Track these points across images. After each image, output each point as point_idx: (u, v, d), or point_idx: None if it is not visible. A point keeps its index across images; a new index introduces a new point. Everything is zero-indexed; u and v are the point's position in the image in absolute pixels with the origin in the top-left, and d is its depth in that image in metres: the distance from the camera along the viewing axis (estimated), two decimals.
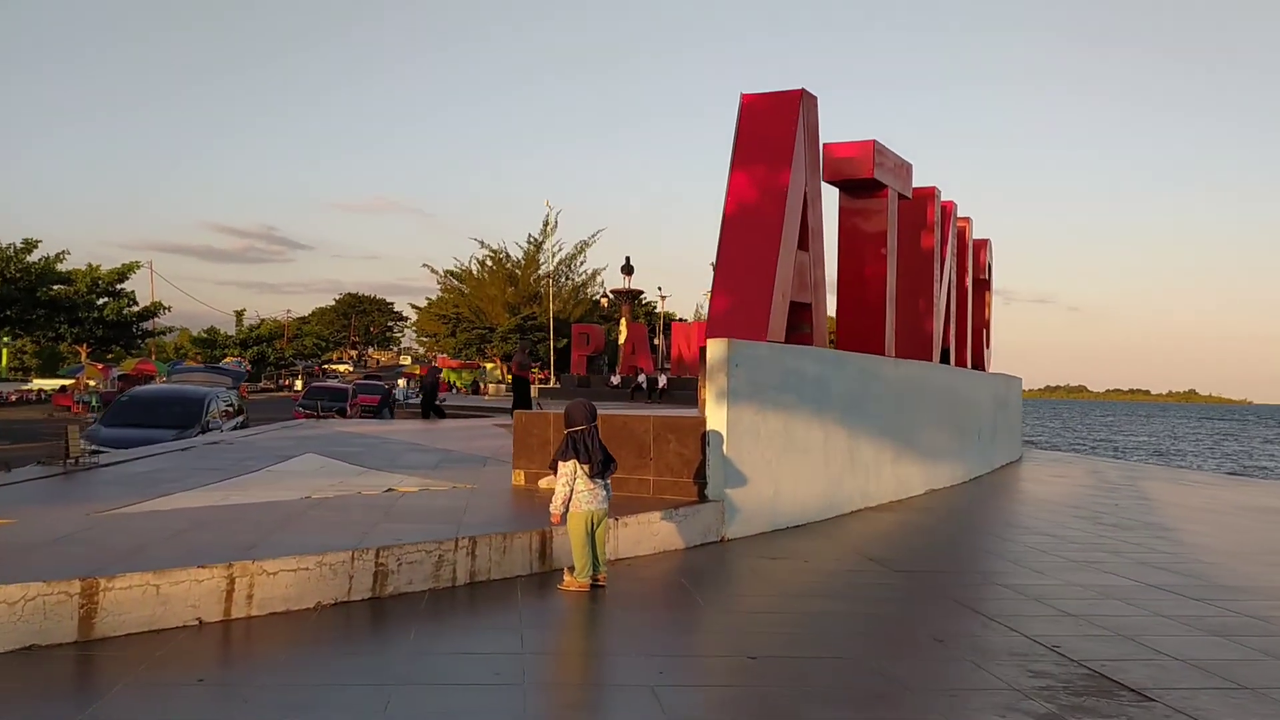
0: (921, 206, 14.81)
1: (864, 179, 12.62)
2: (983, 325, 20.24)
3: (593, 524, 6.34)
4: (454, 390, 69.84)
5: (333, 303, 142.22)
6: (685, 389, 44.68)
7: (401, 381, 66.51)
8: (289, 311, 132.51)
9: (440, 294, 79.50)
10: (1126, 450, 51.58)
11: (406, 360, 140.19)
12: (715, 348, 8.68)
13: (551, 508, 6.38)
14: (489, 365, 79.03)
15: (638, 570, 7.04)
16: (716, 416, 8.60)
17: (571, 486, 6.34)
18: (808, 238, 11.19)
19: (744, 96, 11.01)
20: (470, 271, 75.20)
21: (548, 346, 64.34)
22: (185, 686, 4.23)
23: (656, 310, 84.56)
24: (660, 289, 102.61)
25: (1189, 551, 8.48)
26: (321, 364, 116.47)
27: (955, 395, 14.99)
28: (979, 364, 19.54)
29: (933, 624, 5.66)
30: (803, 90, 10.89)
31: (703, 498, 8.58)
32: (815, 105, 11.16)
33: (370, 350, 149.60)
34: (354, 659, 4.75)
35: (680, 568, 7.20)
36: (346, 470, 10.72)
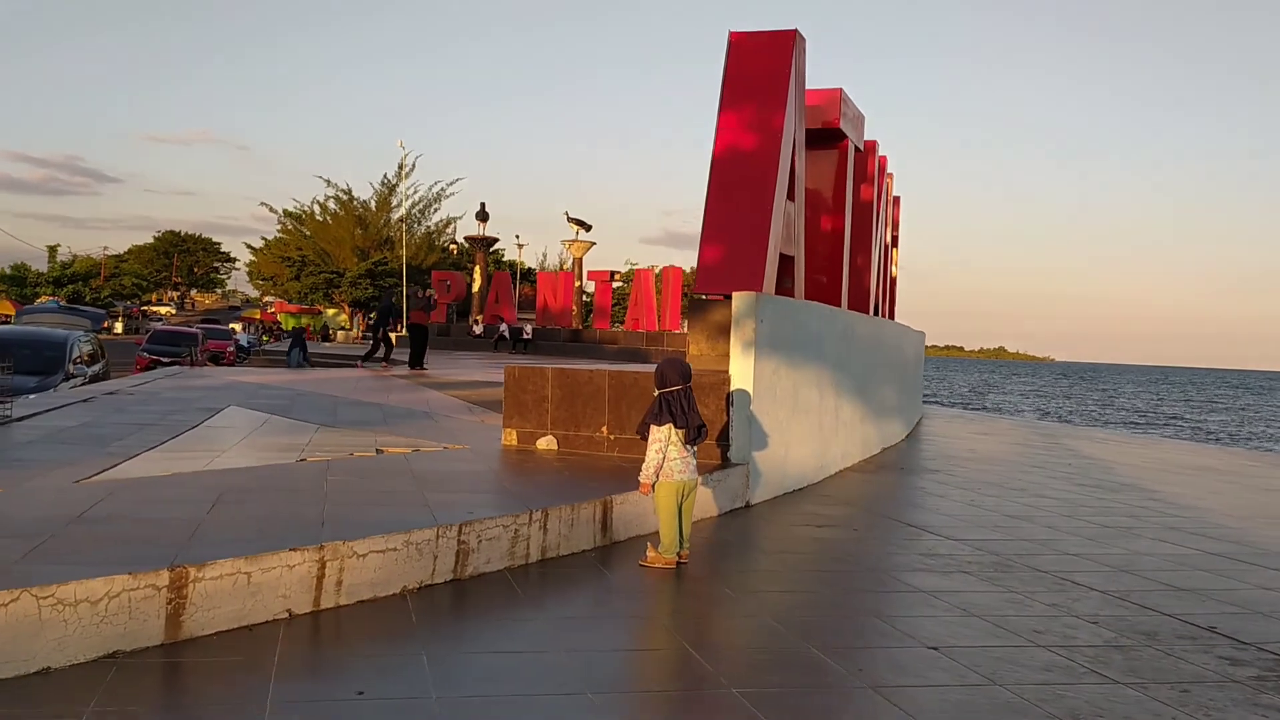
0: (864, 159, 14.59)
1: (829, 128, 12.27)
2: (891, 282, 20.38)
3: (682, 495, 5.76)
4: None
5: (152, 240, 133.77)
6: (551, 339, 44.05)
7: (237, 326, 63.14)
8: (106, 249, 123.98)
9: (278, 235, 75.76)
10: (999, 405, 53.87)
11: (238, 302, 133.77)
12: (742, 300, 8.15)
13: (642, 476, 5.77)
14: (331, 311, 76.04)
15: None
16: (742, 374, 8.09)
17: (664, 454, 5.73)
18: (794, 186, 10.76)
19: (732, 35, 10.42)
20: (311, 213, 71.81)
21: (400, 293, 62.31)
22: (348, 702, 3.47)
23: (505, 258, 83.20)
24: (518, 237, 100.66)
25: (1204, 515, 8.54)
26: (141, 306, 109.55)
27: (899, 351, 14.96)
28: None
29: (1081, 609, 5.36)
30: (796, 31, 10.38)
31: (725, 461, 8.08)
32: (804, 49, 10.67)
33: (193, 292, 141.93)
34: (503, 658, 4.06)
35: (734, 538, 6.70)
36: (301, 427, 9.73)
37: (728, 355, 9.60)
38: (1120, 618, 5.05)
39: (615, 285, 57.18)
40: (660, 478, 5.73)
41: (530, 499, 6.08)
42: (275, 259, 73.96)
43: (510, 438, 8.79)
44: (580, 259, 61.11)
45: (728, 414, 8.11)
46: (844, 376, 10.63)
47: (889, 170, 17.00)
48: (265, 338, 66.56)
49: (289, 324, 74.39)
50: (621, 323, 53.73)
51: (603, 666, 4.00)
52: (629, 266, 79.91)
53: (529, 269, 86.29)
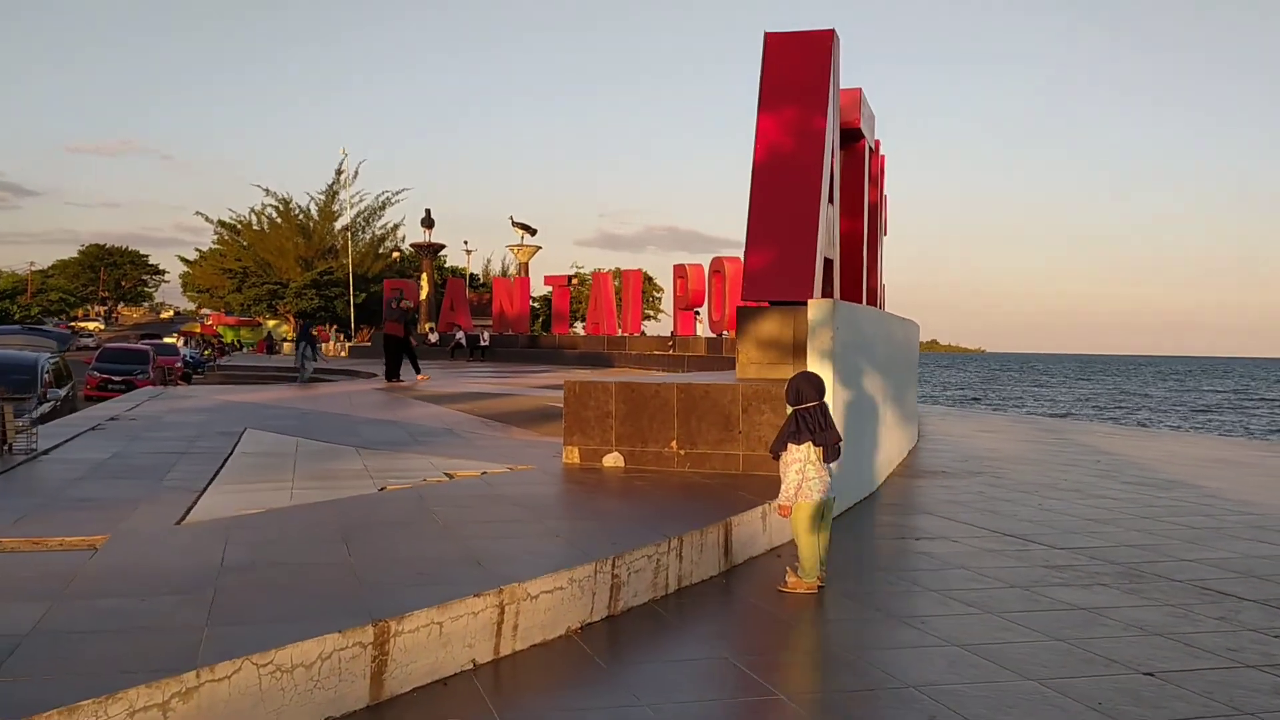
0: (875, 159, 14.49)
1: (850, 128, 12.12)
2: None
3: (820, 515, 5.52)
4: (240, 349, 65.45)
5: (77, 254, 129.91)
6: (509, 346, 43.55)
7: (175, 339, 61.47)
8: (32, 264, 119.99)
9: (213, 245, 74.16)
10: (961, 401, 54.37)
11: (168, 316, 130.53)
12: (819, 308, 7.94)
13: (781, 498, 5.51)
14: (273, 322, 74.55)
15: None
16: None
17: (803, 473, 5.49)
18: (833, 189, 10.58)
19: (768, 36, 10.21)
20: (249, 223, 70.36)
21: (346, 302, 61.19)
22: None
23: (446, 264, 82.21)
24: (466, 243, 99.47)
25: (1273, 510, 8.50)
26: (69, 321, 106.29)
27: (911, 349, 14.88)
28: None
29: (1249, 621, 5.22)
30: (833, 31, 10.21)
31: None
32: (839, 49, 10.50)
33: (120, 306, 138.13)
34: (710, 706, 3.78)
35: (839, 557, 6.45)
36: (340, 451, 9.33)
37: (779, 363, 9.42)
38: None
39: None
40: (799, 498, 5.48)
41: (651, 525, 5.79)
42: (213, 270, 72.33)
43: (572, 455, 8.47)
44: (526, 263, 60.70)
45: None
46: (888, 380, 10.49)
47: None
48: (207, 351, 64.96)
49: (229, 336, 72.78)
50: (565, 327, 53.36)
51: (852, 710, 3.75)
52: (575, 269, 79.55)
53: (472, 275, 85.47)
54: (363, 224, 70.22)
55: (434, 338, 45.67)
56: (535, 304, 58.18)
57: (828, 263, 10.55)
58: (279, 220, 69.39)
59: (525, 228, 61.87)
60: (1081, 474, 10.85)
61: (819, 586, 5.49)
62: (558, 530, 5.58)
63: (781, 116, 9.96)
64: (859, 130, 12.27)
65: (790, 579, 5.52)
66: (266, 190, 74.27)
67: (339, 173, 69.27)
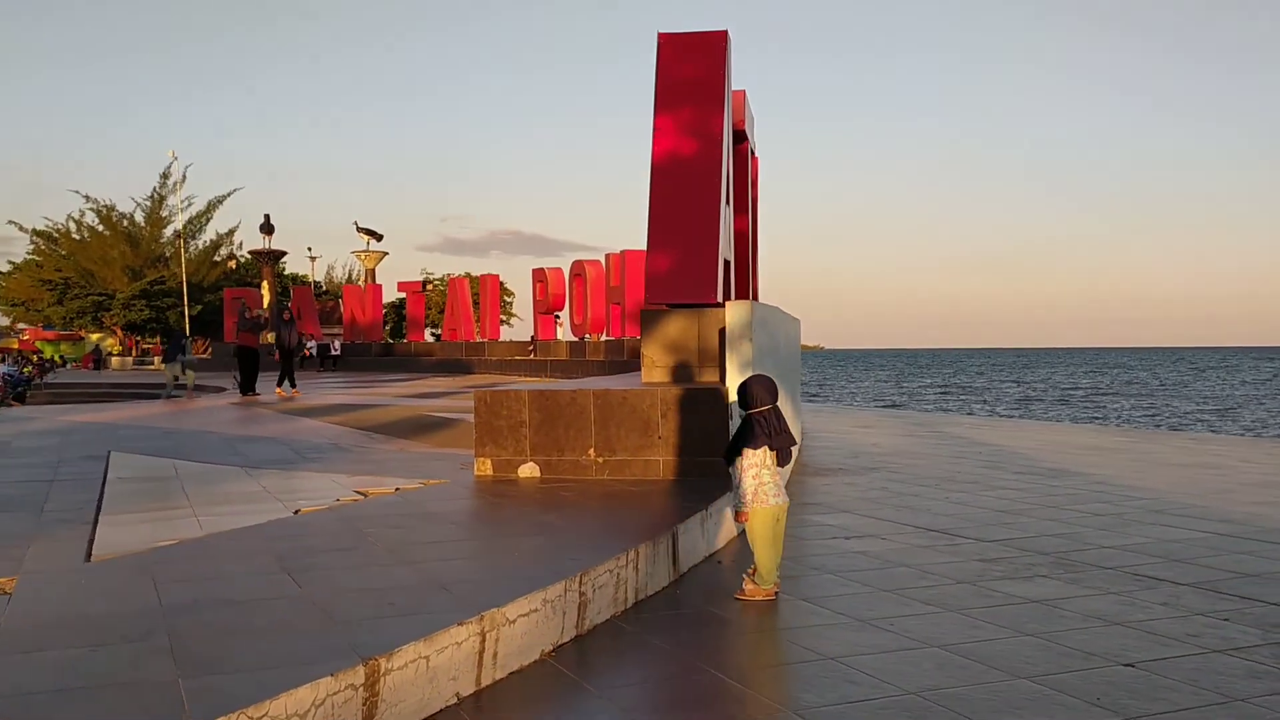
0: (755, 161, 14.63)
1: (738, 129, 12.17)
2: None
3: (776, 521, 5.43)
4: (64, 365, 61.51)
5: None
6: (361, 355, 42.32)
7: None
8: None
9: (28, 256, 69.48)
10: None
11: None
12: (739, 309, 7.89)
13: (738, 504, 5.38)
14: (95, 336, 70.35)
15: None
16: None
17: (759, 478, 5.37)
18: (730, 190, 10.57)
19: (662, 36, 10.12)
20: (66, 231, 66.22)
21: (180, 313, 58.20)
22: None
23: (286, 272, 79.24)
24: (310, 249, 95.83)
25: (1162, 495, 8.86)
26: None
27: (798, 347, 15.05)
28: None
29: (1192, 605, 5.37)
30: (726, 32, 10.19)
31: (727, 477, 7.78)
32: (731, 50, 10.50)
33: None
34: None
35: (795, 559, 6.40)
36: (229, 472, 8.75)
37: (686, 366, 9.34)
38: (1242, 612, 5.09)
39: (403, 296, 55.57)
40: (756, 504, 5.37)
41: (600, 538, 5.59)
42: (30, 282, 67.74)
43: (485, 467, 8.17)
44: (373, 269, 59.22)
45: (729, 427, 7.82)
46: (788, 380, 10.55)
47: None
48: (27, 369, 60.71)
49: (49, 352, 68.28)
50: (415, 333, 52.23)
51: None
52: (424, 275, 78.07)
53: (315, 283, 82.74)
54: (195, 230, 67.05)
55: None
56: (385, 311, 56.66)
57: (726, 264, 10.54)
58: (101, 228, 65.53)
59: (371, 233, 60.33)
60: (972, 466, 11.15)
61: (775, 593, 5.41)
62: (508, 548, 5.31)
63: (679, 118, 9.88)
64: (744, 132, 12.35)
65: (748, 586, 5.40)
66: (87, 197, 69.45)
67: (165, 176, 65.81)
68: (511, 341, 38.97)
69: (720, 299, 9.78)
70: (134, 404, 20.40)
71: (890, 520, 7.74)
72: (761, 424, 5.40)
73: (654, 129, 9.92)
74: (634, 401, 7.95)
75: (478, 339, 38.32)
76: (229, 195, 70.67)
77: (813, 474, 10.57)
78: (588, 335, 32.07)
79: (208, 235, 67.91)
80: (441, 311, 68.58)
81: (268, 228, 56.22)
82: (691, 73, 9.94)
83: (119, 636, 3.58)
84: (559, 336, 35.36)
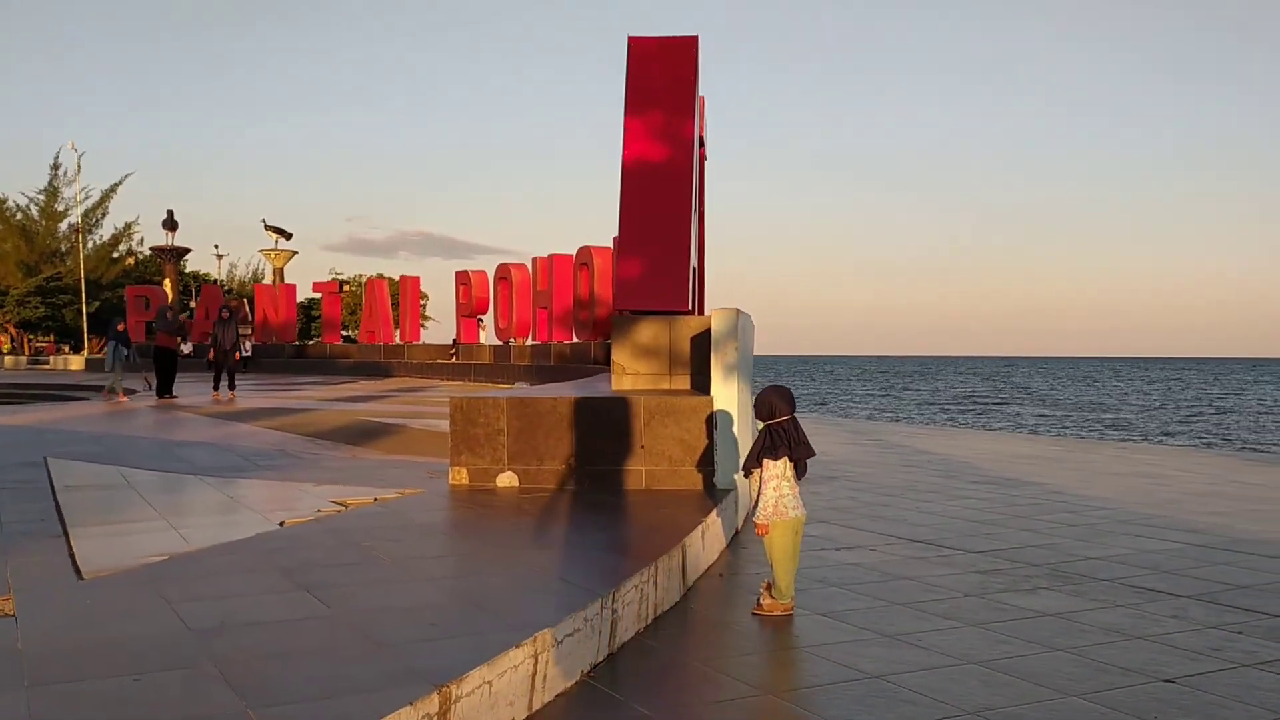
0: (703, 164, 14.59)
1: (700, 136, 12.13)
2: None
3: (796, 534, 5.36)
4: None
5: None
6: (274, 356, 41.17)
7: None
8: None
9: None
10: None
11: None
12: (724, 318, 7.81)
13: (759, 516, 5.29)
14: None
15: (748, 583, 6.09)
16: (726, 394, 7.76)
17: (779, 490, 5.30)
18: (697, 196, 10.51)
19: (632, 40, 10.02)
20: None
21: (77, 311, 56.01)
22: None
23: (188, 269, 76.84)
24: (217, 247, 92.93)
25: (1124, 505, 9.04)
26: None
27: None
28: None
29: (1200, 617, 5.45)
30: (697, 37, 10.14)
31: (709, 487, 7.71)
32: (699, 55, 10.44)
33: None
34: None
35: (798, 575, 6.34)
36: (184, 481, 8.36)
37: (658, 373, 9.25)
38: (1250, 625, 5.18)
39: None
40: (776, 516, 5.29)
41: (611, 551, 5.46)
42: None
43: (460, 476, 7.94)
44: (282, 269, 57.80)
45: (710, 437, 7.74)
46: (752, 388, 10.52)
47: None
48: None
49: None
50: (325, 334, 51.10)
51: None
52: (332, 275, 76.55)
53: (218, 281, 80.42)
54: (92, 224, 64.57)
55: (186, 349, 42.54)
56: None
57: (693, 269, 10.47)
58: None
59: (280, 231, 58.79)
60: (926, 475, 11.26)
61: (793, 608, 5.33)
62: (527, 562, 5.14)
63: (649, 122, 9.79)
64: (703, 137, 12.31)
65: (765, 600, 5.32)
66: None
67: (55, 167, 63.17)
68: (432, 344, 38.32)
69: (691, 307, 9.72)
70: (45, 406, 19.49)
71: (870, 530, 7.74)
72: (781, 434, 5.32)
73: (624, 133, 9.81)
74: (616, 411, 7.81)
75: (397, 341, 37.63)
76: (121, 182, 67.89)
77: None
78: (512, 339, 31.72)
79: (106, 230, 65.53)
80: (353, 313, 67.37)
81: (171, 223, 54.50)
82: (662, 77, 9.86)
83: (159, 664, 3.33)
84: (482, 340, 34.91)
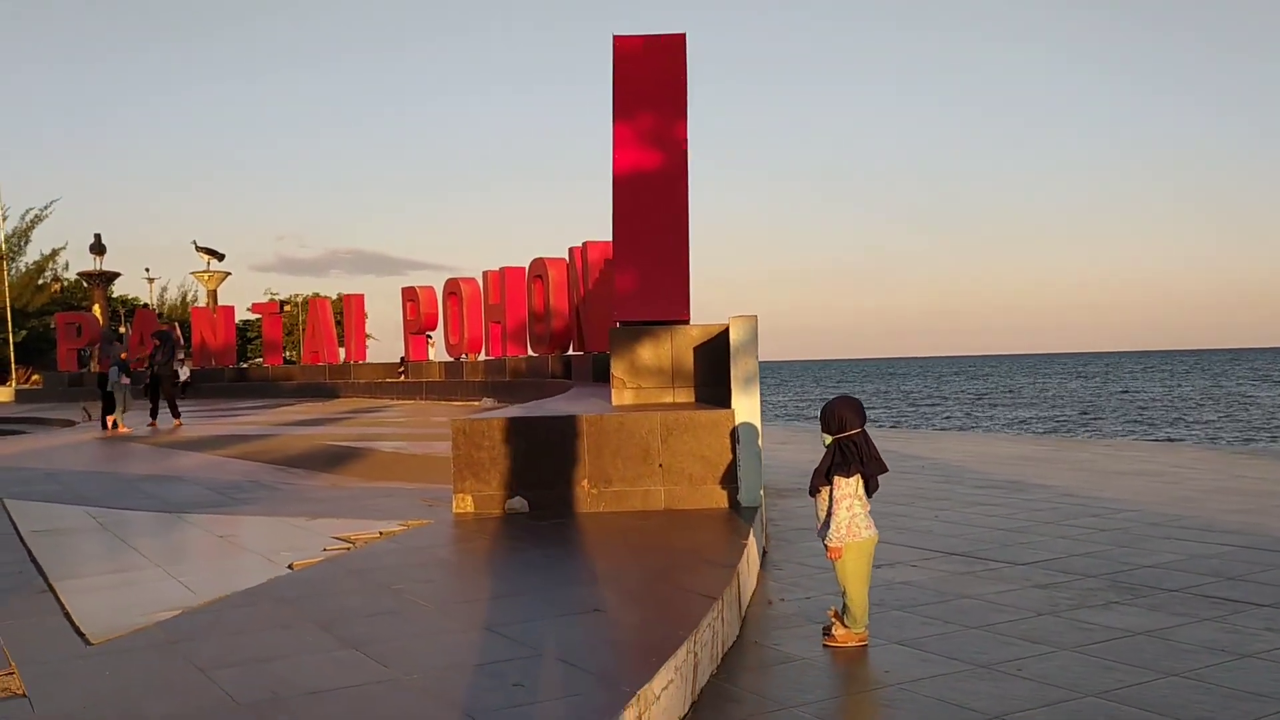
0: None
1: None
2: None
3: (870, 556, 4.96)
4: None
5: None
6: (214, 380, 39.94)
7: None
8: None
9: None
10: None
11: None
12: (743, 326, 7.40)
13: (833, 538, 4.87)
14: None
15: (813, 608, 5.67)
16: (747, 406, 7.34)
17: (853, 509, 4.89)
18: None
19: (618, 40, 9.57)
20: None
21: (3, 340, 53.93)
22: None
23: (116, 295, 74.57)
24: (148, 270, 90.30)
25: (1147, 508, 8.80)
26: None
27: None
28: None
29: None
30: (685, 34, 9.73)
31: (734, 505, 7.29)
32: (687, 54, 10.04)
33: None
34: None
35: (821, 595, 5.93)
36: (166, 521, 7.73)
37: (660, 387, 8.82)
38: None
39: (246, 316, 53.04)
40: (849, 537, 4.88)
41: (663, 581, 5.01)
42: None
43: (465, 504, 7.42)
44: (214, 291, 56.38)
45: (734, 452, 7.33)
46: None
47: None
48: None
49: None
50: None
51: None
52: (268, 296, 74.86)
53: (146, 304, 78.22)
54: (15, 250, 62.31)
55: (125, 379, 41.11)
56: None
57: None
58: None
59: (211, 253, 57.29)
60: (927, 481, 10.95)
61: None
62: (581, 601, 4.66)
63: (639, 125, 9.37)
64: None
65: (838, 630, 4.90)
66: None
67: None
68: (378, 363, 37.44)
69: (689, 314, 9.31)
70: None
71: (902, 545, 7.37)
72: (852, 449, 4.92)
73: (613, 138, 9.38)
74: (630, 427, 7.36)
75: (342, 361, 36.71)
76: (49, 207, 65.67)
77: (774, 496, 10.15)
78: (464, 355, 31.05)
79: (30, 256, 63.31)
80: (289, 334, 65.81)
81: (98, 248, 52.78)
82: (651, 78, 9.44)
83: None
84: (431, 357, 34.17)
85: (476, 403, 26.11)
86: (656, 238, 9.12)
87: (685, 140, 9.37)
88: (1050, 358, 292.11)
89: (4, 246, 58.43)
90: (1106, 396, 70.23)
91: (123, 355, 19.32)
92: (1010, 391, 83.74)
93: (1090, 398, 69.07)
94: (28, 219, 62.42)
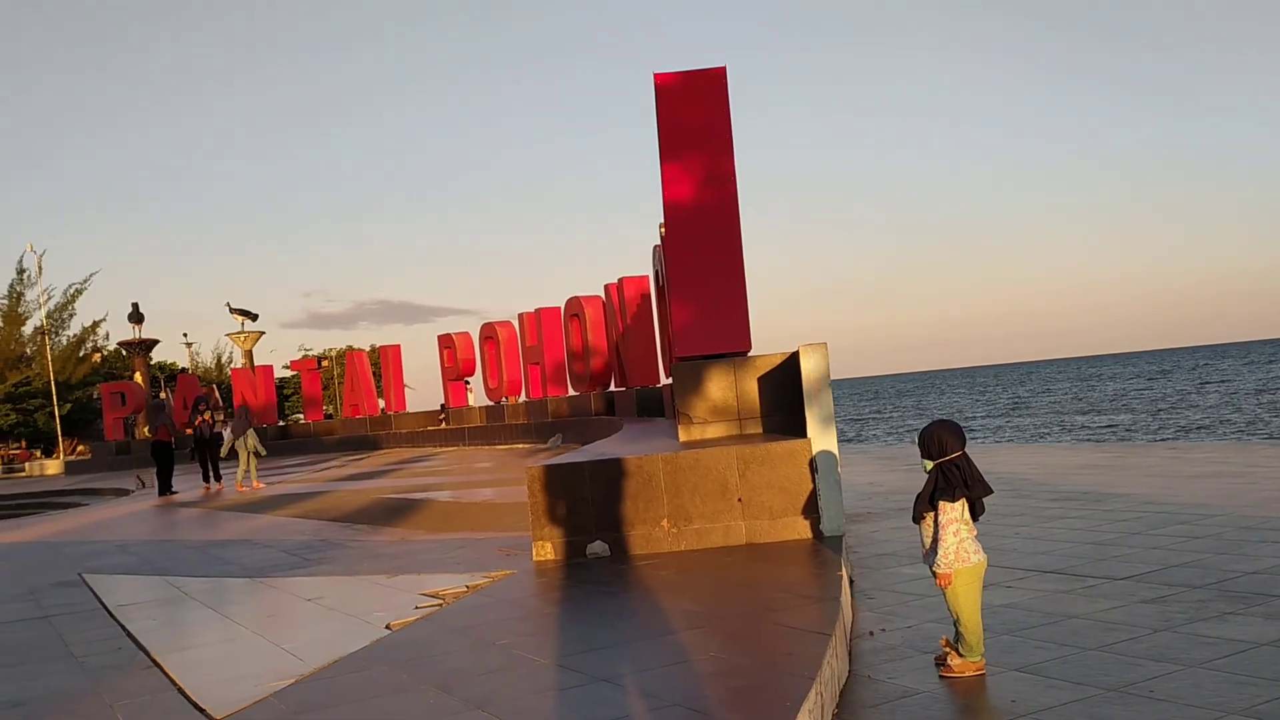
0: None
1: None
2: None
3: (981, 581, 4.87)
4: None
5: None
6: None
7: None
8: None
9: None
10: None
11: None
12: (815, 353, 7.34)
13: (941, 565, 4.78)
14: None
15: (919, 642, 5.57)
16: (823, 434, 7.27)
17: (959, 534, 4.81)
18: None
19: (658, 77, 9.61)
20: None
21: (49, 414, 54.69)
22: None
23: (154, 361, 75.47)
24: (185, 335, 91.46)
25: (1239, 512, 8.61)
26: None
27: None
28: None
29: None
30: (725, 68, 9.75)
31: (817, 535, 7.20)
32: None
33: None
34: None
35: (924, 622, 5.82)
36: (248, 587, 7.73)
37: (727, 420, 8.76)
38: None
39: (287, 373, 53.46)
40: (959, 563, 4.79)
41: (767, 621, 4.93)
42: None
43: (545, 550, 7.38)
44: (250, 351, 56.91)
45: (813, 481, 7.25)
46: None
47: None
48: None
49: None
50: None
51: None
52: (302, 352, 75.57)
53: (182, 369, 79.11)
54: (58, 324, 63.35)
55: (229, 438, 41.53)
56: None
57: None
58: None
59: (245, 314, 57.84)
60: (996, 496, 10.77)
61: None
62: (694, 647, 4.59)
63: (687, 161, 9.38)
64: None
65: (954, 660, 4.80)
66: None
67: (20, 271, 62.12)
68: (418, 412, 37.60)
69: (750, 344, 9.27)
70: (44, 517, 18.64)
71: (991, 565, 7.22)
72: (956, 473, 4.84)
73: (662, 175, 9.39)
74: (707, 463, 7.31)
75: (381, 412, 36.91)
76: (88, 280, 66.82)
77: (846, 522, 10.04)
78: (505, 399, 31.10)
79: (72, 330, 64.32)
80: (325, 388, 66.31)
81: (137, 316, 53.48)
82: (696, 114, 9.45)
83: None
84: (471, 402, 34.27)
85: (521, 445, 26.13)
86: (712, 272, 9.10)
87: (733, 173, 9.37)
88: (1034, 365, 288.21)
89: (46, 323, 59.42)
90: (1132, 396, 69.35)
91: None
92: (1014, 400, 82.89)
93: (1121, 399, 68.22)
94: (69, 293, 63.45)
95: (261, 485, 18.56)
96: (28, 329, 61.39)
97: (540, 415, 28.21)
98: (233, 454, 19.75)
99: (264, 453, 19.65)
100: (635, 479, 7.35)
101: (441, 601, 6.19)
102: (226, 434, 38.03)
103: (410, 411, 37.61)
